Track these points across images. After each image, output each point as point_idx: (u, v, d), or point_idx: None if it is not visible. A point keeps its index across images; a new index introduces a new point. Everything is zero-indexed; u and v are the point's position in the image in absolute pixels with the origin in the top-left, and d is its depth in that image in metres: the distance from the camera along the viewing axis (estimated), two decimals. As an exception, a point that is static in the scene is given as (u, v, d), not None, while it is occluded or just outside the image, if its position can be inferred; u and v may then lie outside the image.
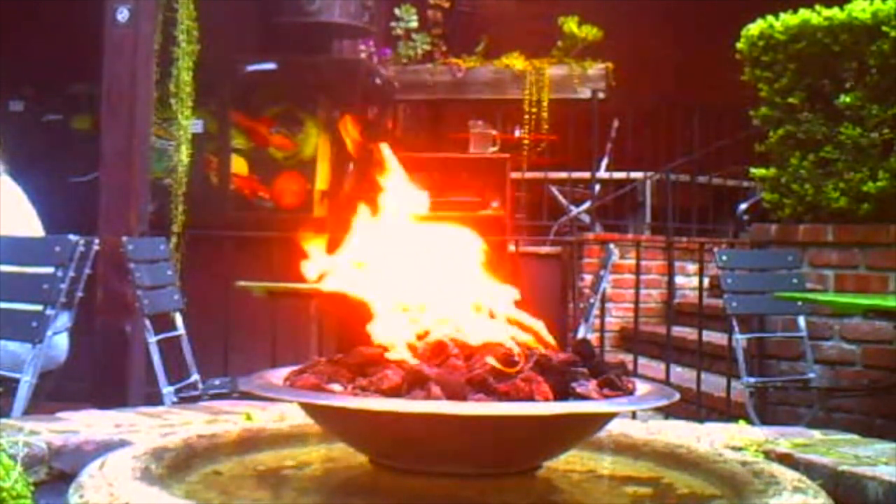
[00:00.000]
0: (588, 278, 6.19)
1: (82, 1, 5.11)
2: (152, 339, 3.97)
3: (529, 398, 1.81)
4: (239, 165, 6.25)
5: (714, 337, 5.30)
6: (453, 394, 1.80)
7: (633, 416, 3.57)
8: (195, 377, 4.16)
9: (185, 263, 5.14)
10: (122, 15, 4.90)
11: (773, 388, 4.61)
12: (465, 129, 8.08)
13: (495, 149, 7.94)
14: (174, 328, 4.16)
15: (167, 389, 3.92)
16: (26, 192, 3.88)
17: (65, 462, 2.15)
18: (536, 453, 1.96)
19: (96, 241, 3.63)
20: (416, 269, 2.08)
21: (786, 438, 2.43)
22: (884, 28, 4.35)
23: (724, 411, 4.64)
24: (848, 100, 4.46)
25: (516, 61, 8.18)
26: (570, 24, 8.16)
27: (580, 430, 1.97)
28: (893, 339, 4.36)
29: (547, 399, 1.82)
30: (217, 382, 4.14)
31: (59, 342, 3.67)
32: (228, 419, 2.48)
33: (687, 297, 6.75)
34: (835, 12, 4.53)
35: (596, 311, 4.80)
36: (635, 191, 8.02)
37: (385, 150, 2.15)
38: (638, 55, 8.51)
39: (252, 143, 6.28)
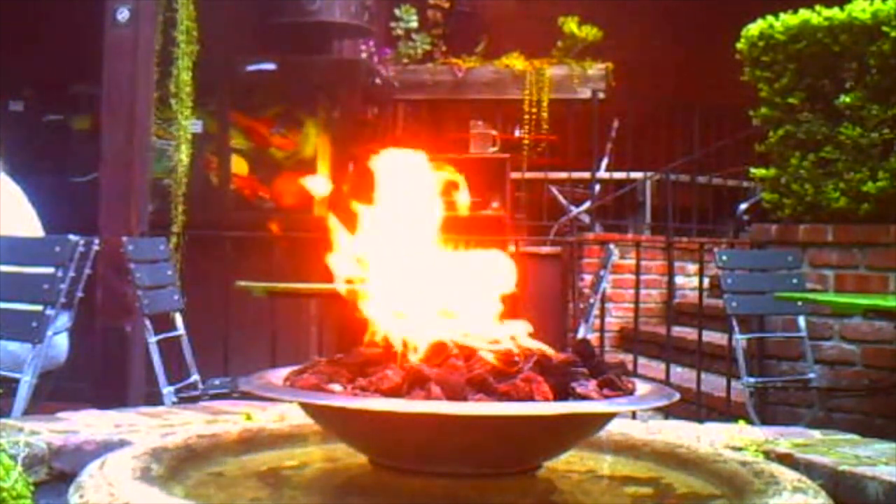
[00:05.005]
0: (588, 278, 6.19)
1: (82, 1, 5.11)
2: (152, 339, 3.96)
3: (529, 398, 1.81)
4: (239, 165, 6.25)
5: (714, 337, 5.29)
6: (453, 394, 1.80)
7: (633, 416, 3.57)
8: (195, 377, 4.16)
9: (185, 263, 5.14)
10: (122, 15, 4.91)
11: (773, 388, 4.60)
12: (465, 129, 8.08)
13: (495, 149, 7.95)
14: (174, 328, 4.16)
15: (167, 389, 3.92)
16: (26, 192, 3.88)
17: (65, 462, 2.15)
18: (536, 453, 1.96)
19: (96, 241, 3.62)
20: (417, 270, 2.08)
21: (786, 438, 2.43)
22: (884, 28, 4.35)
23: (724, 411, 4.64)
24: (848, 100, 4.46)
25: (516, 61, 8.18)
26: (570, 25, 8.17)
27: (580, 430, 1.97)
28: (893, 339, 4.36)
29: (547, 399, 1.82)
30: (217, 382, 4.14)
31: (59, 342, 3.66)
32: (228, 419, 2.48)
33: (687, 297, 6.75)
34: (835, 12, 4.54)
35: (596, 311, 4.80)
36: (635, 191, 8.01)
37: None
38: (638, 55, 8.51)
39: (252, 143, 6.28)
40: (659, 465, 2.13)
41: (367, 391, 1.83)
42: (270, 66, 6.40)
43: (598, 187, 7.92)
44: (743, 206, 7.71)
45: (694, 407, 4.65)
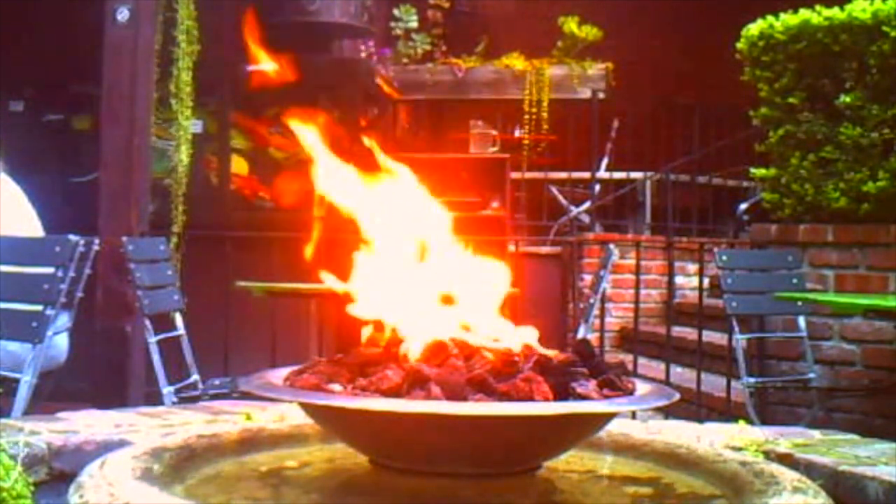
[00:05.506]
0: (588, 278, 6.18)
1: (82, 1, 5.11)
2: (152, 339, 3.97)
3: (529, 398, 1.81)
4: (239, 165, 6.25)
5: (714, 337, 5.29)
6: (453, 394, 1.80)
7: (633, 416, 3.57)
8: (195, 377, 4.16)
9: (185, 263, 5.14)
10: (122, 15, 4.91)
11: (773, 388, 4.60)
12: (465, 129, 8.08)
13: (495, 149, 7.94)
14: (174, 328, 4.16)
15: (167, 389, 3.92)
16: (26, 192, 3.88)
17: (65, 462, 2.15)
18: (536, 453, 1.96)
19: (96, 241, 3.63)
20: (415, 271, 2.08)
21: (786, 438, 2.43)
22: (884, 28, 4.35)
23: (724, 411, 4.64)
24: (848, 100, 4.46)
25: (516, 61, 8.18)
26: (570, 24, 8.16)
27: (580, 430, 1.96)
28: (893, 339, 4.36)
29: (547, 399, 1.82)
30: (217, 382, 4.14)
31: (59, 342, 3.66)
32: (228, 419, 2.48)
33: (687, 297, 6.75)
34: (835, 12, 4.54)
35: (596, 311, 4.80)
36: (635, 191, 8.02)
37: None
38: (638, 55, 8.51)
39: (252, 143, 6.28)
40: (659, 465, 2.13)
41: (367, 391, 1.83)
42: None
43: (598, 187, 7.92)
44: (743, 206, 7.71)
45: (694, 407, 4.65)
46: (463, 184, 7.19)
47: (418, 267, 2.09)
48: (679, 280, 6.84)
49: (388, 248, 2.09)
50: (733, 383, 4.67)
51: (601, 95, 7.94)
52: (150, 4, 5.08)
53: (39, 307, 3.29)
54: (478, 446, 1.85)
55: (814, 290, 4.48)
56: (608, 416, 1.96)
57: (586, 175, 7.96)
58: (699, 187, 7.84)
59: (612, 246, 4.91)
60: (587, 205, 7.87)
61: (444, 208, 2.14)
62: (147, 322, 3.98)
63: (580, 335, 4.60)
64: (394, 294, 2.05)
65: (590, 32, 8.15)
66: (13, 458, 1.85)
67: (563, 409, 1.81)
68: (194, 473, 1.97)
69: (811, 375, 4.39)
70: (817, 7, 4.62)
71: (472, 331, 2.01)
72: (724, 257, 4.42)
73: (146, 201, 5.12)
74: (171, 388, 3.94)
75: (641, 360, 5.44)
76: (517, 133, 8.26)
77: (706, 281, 5.62)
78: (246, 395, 2.58)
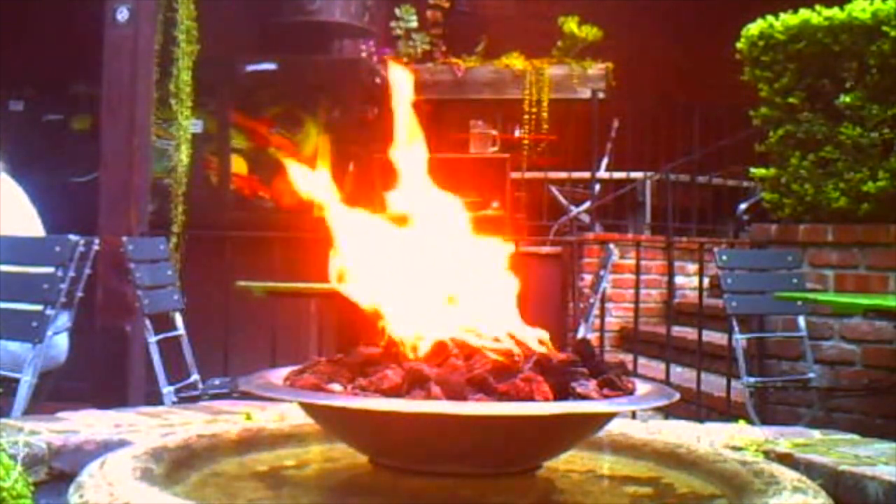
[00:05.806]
0: (588, 278, 6.18)
1: (82, 1, 5.12)
2: (152, 339, 3.97)
3: (529, 398, 1.81)
4: (239, 165, 6.25)
5: (714, 337, 5.29)
6: (453, 394, 1.80)
7: (633, 416, 3.57)
8: (195, 377, 4.16)
9: (185, 263, 5.14)
10: (122, 15, 4.91)
11: (773, 388, 4.60)
12: (465, 129, 8.08)
13: (495, 149, 7.95)
14: (174, 328, 4.16)
15: (167, 389, 3.92)
16: (26, 192, 3.88)
17: (65, 462, 2.15)
18: (536, 453, 1.96)
19: (96, 241, 3.63)
20: (417, 270, 2.08)
21: (786, 438, 2.43)
22: (884, 28, 4.35)
23: (724, 411, 4.64)
24: (848, 100, 4.46)
25: (516, 61, 8.19)
26: (570, 24, 8.17)
27: (580, 430, 1.97)
28: (893, 339, 4.36)
29: (547, 399, 1.82)
30: (217, 382, 4.14)
31: (59, 342, 3.66)
32: (228, 419, 2.48)
33: (687, 297, 6.75)
34: (835, 12, 4.54)
35: (596, 311, 4.80)
36: (635, 191, 8.01)
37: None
38: (638, 55, 8.51)
39: (252, 143, 6.28)
40: (659, 465, 2.13)
41: (367, 391, 1.83)
42: (270, 66, 6.40)
43: (598, 187, 7.92)
44: (743, 206, 7.71)
45: (694, 407, 4.65)
46: (463, 184, 7.18)
47: (423, 263, 2.08)
48: (679, 280, 6.84)
49: (392, 242, 2.10)
50: (733, 383, 4.66)
51: (601, 95, 7.94)
52: (150, 4, 5.09)
53: (39, 307, 3.29)
54: (478, 446, 1.85)
55: (814, 290, 4.48)
56: (608, 416, 1.96)
57: (586, 175, 7.96)
58: (699, 187, 7.83)
59: (612, 246, 4.92)
60: (587, 205, 7.87)
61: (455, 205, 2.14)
62: (147, 322, 3.98)
63: (580, 335, 4.60)
64: (394, 291, 2.05)
65: (590, 32, 8.16)
66: (13, 458, 1.85)
67: (563, 409, 1.81)
68: (194, 473, 1.97)
69: (811, 375, 4.39)
70: (817, 7, 4.62)
71: (474, 330, 2.01)
72: (724, 257, 4.42)
73: (146, 201, 5.12)
74: (171, 388, 3.94)
75: (641, 360, 5.44)
76: (517, 133, 8.27)
77: (706, 281, 5.62)
78: (246, 395, 2.57)
